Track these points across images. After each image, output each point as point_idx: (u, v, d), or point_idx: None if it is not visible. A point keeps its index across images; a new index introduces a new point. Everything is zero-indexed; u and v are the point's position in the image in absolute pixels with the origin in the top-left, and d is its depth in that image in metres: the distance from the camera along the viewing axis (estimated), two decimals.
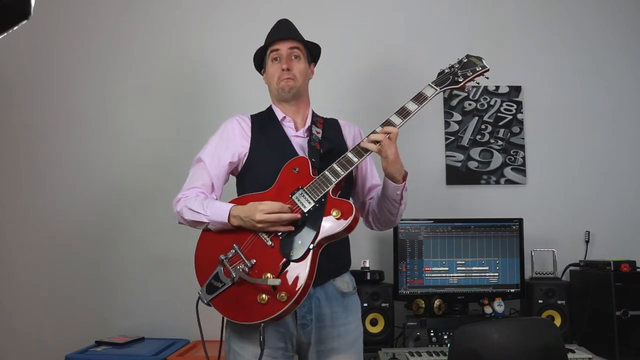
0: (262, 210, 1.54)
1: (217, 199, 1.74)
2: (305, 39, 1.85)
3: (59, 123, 2.89)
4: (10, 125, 2.89)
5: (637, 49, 2.96)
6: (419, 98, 1.68)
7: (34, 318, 2.76)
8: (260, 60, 1.88)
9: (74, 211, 2.82)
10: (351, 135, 1.87)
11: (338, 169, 1.60)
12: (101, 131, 2.88)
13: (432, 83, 1.72)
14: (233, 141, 1.76)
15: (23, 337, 2.74)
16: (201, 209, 1.64)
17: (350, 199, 1.83)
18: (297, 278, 1.51)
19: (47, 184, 2.84)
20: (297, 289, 1.50)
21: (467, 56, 1.77)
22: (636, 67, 2.95)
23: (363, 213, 1.85)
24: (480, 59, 1.76)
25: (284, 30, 1.83)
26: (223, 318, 1.63)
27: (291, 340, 1.65)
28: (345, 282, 1.73)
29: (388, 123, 1.63)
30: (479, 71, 1.74)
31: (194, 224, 1.67)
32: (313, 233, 1.55)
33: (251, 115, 1.85)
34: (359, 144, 1.63)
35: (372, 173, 1.87)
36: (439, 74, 1.75)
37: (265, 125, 1.79)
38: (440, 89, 1.71)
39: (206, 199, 1.68)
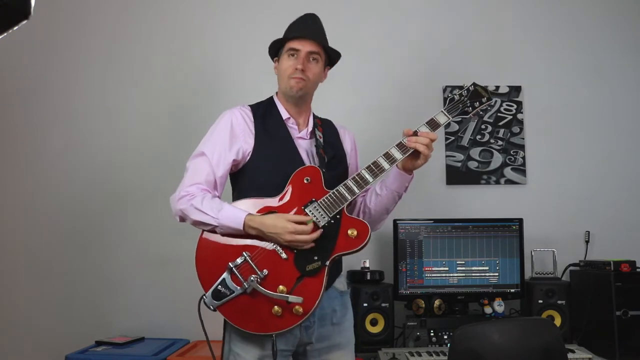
0: (292, 232, 1.54)
1: (219, 197, 1.68)
2: (329, 45, 1.77)
3: (58, 123, 2.88)
4: (10, 125, 2.88)
5: (637, 49, 2.97)
6: (432, 124, 1.71)
7: (34, 318, 2.75)
8: (276, 49, 1.79)
9: (73, 211, 2.82)
10: (347, 140, 1.87)
11: (353, 186, 1.63)
12: (101, 131, 2.88)
13: (444, 110, 1.75)
14: (237, 137, 1.69)
15: (23, 337, 2.74)
16: (210, 211, 1.58)
17: None
18: (312, 293, 1.54)
19: (47, 184, 2.84)
20: (313, 304, 1.54)
21: (474, 85, 1.80)
22: (636, 67, 2.95)
23: (352, 212, 1.79)
24: (486, 90, 1.80)
25: (309, 28, 1.74)
26: (224, 319, 1.62)
27: (293, 342, 1.65)
28: (342, 282, 1.77)
29: (401, 145, 1.66)
30: (484, 102, 1.79)
31: (199, 224, 1.62)
32: (329, 250, 1.57)
33: (251, 107, 1.78)
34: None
35: None
36: (450, 101, 1.78)
37: (268, 122, 1.74)
38: (452, 118, 1.75)
39: (214, 199, 1.63)
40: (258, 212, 1.60)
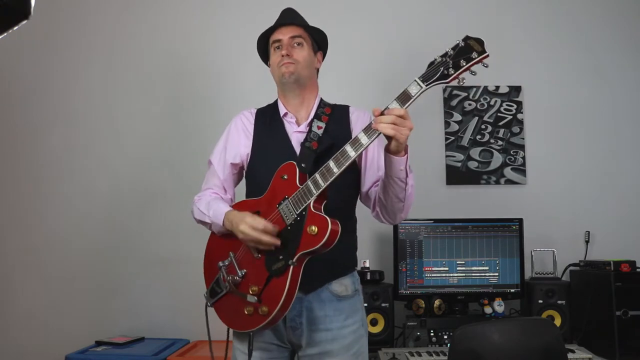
0: (246, 223, 1.53)
1: (231, 199, 1.77)
2: (309, 25, 1.77)
3: (59, 123, 2.89)
4: (11, 126, 2.88)
5: (637, 49, 2.97)
6: (403, 97, 1.46)
7: (34, 318, 2.76)
8: (265, 52, 1.82)
9: (73, 211, 2.82)
10: (359, 122, 1.74)
11: (319, 179, 1.50)
12: (102, 131, 2.88)
13: (418, 78, 1.46)
14: (236, 142, 1.75)
15: (23, 337, 2.74)
16: (205, 210, 1.67)
17: (360, 197, 1.78)
18: (277, 294, 1.50)
19: (47, 185, 2.84)
20: (276, 305, 1.49)
21: (466, 38, 1.47)
22: (636, 67, 2.95)
23: (370, 204, 1.74)
24: (480, 42, 1.47)
25: (286, 18, 1.77)
26: None
27: (279, 337, 1.65)
28: (343, 286, 1.66)
29: (368, 128, 1.47)
30: (474, 59, 1.45)
31: (202, 223, 1.71)
32: (294, 248, 1.50)
33: (258, 110, 1.81)
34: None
35: (379, 164, 1.69)
36: (430, 64, 1.47)
37: (268, 122, 1.75)
38: (427, 85, 1.44)
39: (214, 200, 1.70)
40: (243, 211, 1.62)
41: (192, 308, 1.63)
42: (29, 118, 2.89)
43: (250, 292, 1.54)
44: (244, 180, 1.81)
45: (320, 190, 1.50)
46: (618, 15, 2.98)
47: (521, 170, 2.87)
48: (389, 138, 1.46)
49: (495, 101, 2.91)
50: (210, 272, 1.68)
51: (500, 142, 2.89)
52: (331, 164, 1.50)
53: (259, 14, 2.87)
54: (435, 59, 1.47)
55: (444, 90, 2.87)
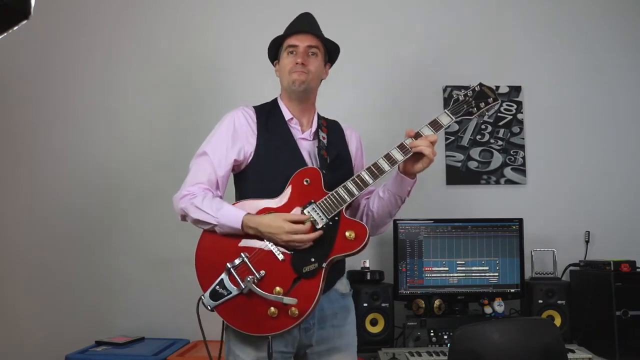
0: (289, 231, 1.53)
1: (221, 196, 1.69)
2: (326, 37, 1.79)
3: (58, 123, 2.88)
4: (10, 125, 2.88)
5: (637, 49, 2.97)
6: (435, 125, 1.68)
7: (34, 318, 2.75)
8: (275, 51, 1.81)
9: (73, 211, 2.82)
10: (352, 140, 1.85)
11: (353, 188, 1.60)
12: (101, 131, 2.88)
13: (448, 111, 1.72)
14: (240, 137, 1.69)
15: (23, 337, 2.74)
16: (210, 210, 1.58)
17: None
18: (309, 295, 1.52)
19: (47, 183, 2.84)
20: (309, 306, 1.52)
21: (480, 85, 1.76)
22: (636, 67, 2.96)
23: (355, 216, 1.80)
24: (492, 90, 1.76)
25: (305, 24, 1.77)
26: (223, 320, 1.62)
27: (292, 344, 1.64)
28: (343, 284, 1.75)
29: (403, 146, 1.63)
30: (490, 103, 1.75)
31: (199, 222, 1.62)
32: (326, 251, 1.55)
33: (255, 108, 1.77)
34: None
35: None
36: (454, 101, 1.74)
37: (271, 122, 1.74)
38: (456, 118, 1.71)
39: (214, 199, 1.63)
40: (257, 213, 1.60)
41: (192, 308, 1.61)
42: (29, 118, 2.89)
43: (274, 294, 1.53)
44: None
45: (354, 198, 1.61)
46: (618, 15, 2.98)
47: (521, 170, 2.87)
48: (416, 159, 1.64)
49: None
50: (208, 274, 1.58)
51: (500, 142, 2.89)
52: (365, 176, 1.62)
53: (259, 14, 2.89)
54: (459, 97, 1.75)
55: (444, 90, 2.88)
